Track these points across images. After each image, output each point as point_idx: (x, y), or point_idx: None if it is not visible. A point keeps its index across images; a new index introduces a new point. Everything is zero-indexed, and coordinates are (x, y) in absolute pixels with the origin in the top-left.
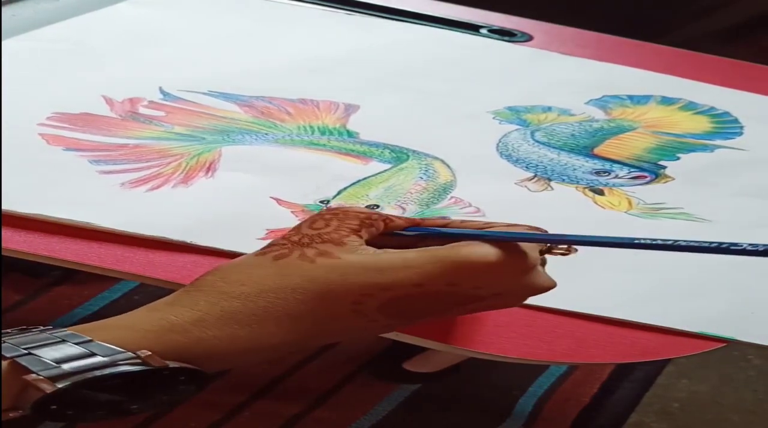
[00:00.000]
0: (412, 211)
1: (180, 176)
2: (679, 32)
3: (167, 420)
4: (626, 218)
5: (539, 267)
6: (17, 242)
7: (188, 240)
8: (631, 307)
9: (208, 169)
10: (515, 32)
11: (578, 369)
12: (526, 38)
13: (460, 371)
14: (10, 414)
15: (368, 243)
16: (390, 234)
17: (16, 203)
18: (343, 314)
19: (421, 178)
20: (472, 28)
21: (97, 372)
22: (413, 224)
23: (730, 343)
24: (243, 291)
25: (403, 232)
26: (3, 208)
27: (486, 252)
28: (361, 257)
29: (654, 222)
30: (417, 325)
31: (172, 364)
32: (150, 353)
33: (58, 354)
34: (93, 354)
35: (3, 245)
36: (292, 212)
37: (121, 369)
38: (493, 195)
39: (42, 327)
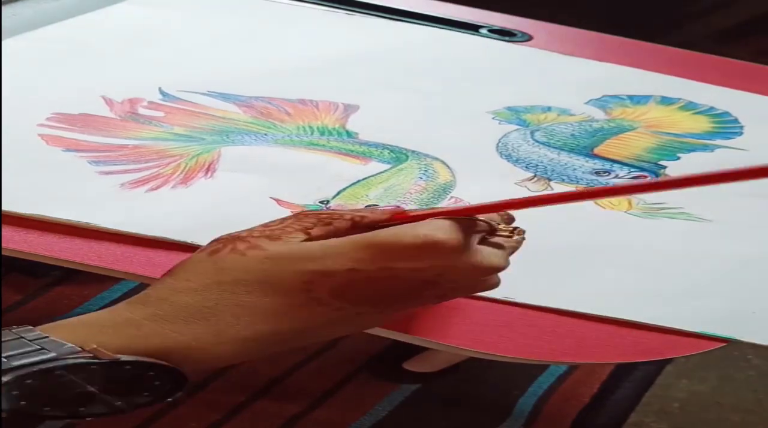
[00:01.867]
0: None
1: (179, 177)
2: (679, 32)
3: (167, 419)
4: (626, 218)
5: (478, 246)
6: (17, 242)
7: (188, 241)
8: (631, 307)
9: (208, 169)
10: (515, 32)
11: (578, 369)
12: (526, 38)
13: (459, 371)
14: None
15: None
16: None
17: (15, 203)
18: (300, 302)
19: (421, 178)
20: (472, 28)
21: (43, 365)
22: (396, 216)
23: (730, 343)
24: (189, 286)
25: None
26: (3, 208)
27: (404, 232)
28: (288, 246)
29: (654, 222)
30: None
31: (124, 358)
32: (96, 347)
33: (10, 350)
34: (42, 350)
35: (3, 245)
36: (291, 212)
37: (68, 362)
38: (493, 195)
39: (15, 327)
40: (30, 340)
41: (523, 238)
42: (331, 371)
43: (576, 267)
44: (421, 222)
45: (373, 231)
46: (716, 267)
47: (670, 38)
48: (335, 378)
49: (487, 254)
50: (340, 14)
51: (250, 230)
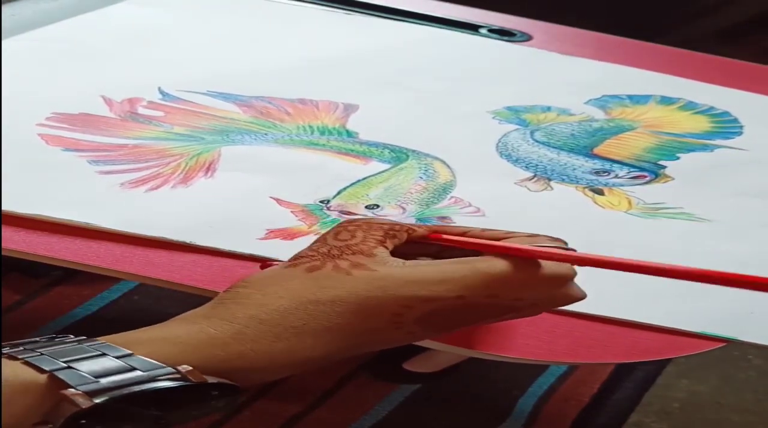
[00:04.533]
0: (412, 211)
1: (179, 176)
2: (679, 32)
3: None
4: (626, 218)
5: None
6: (17, 242)
7: (188, 241)
8: (631, 307)
9: (208, 169)
10: (515, 32)
11: (578, 369)
12: (526, 38)
13: (460, 371)
14: None
15: (393, 253)
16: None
17: (15, 203)
18: (381, 326)
19: (421, 177)
20: (472, 27)
21: (136, 388)
22: (434, 231)
23: (730, 343)
24: (282, 304)
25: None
26: (3, 208)
27: (526, 265)
28: (398, 269)
29: (654, 222)
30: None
31: (210, 380)
32: (191, 368)
33: (97, 367)
34: (132, 369)
35: (3, 245)
36: (291, 212)
37: (161, 385)
38: (493, 195)
39: (75, 337)
40: (116, 357)
41: None
42: (331, 371)
43: (575, 267)
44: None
45: (489, 258)
46: (716, 267)
47: (670, 38)
48: (335, 378)
49: (576, 286)
50: (340, 14)
51: (334, 245)
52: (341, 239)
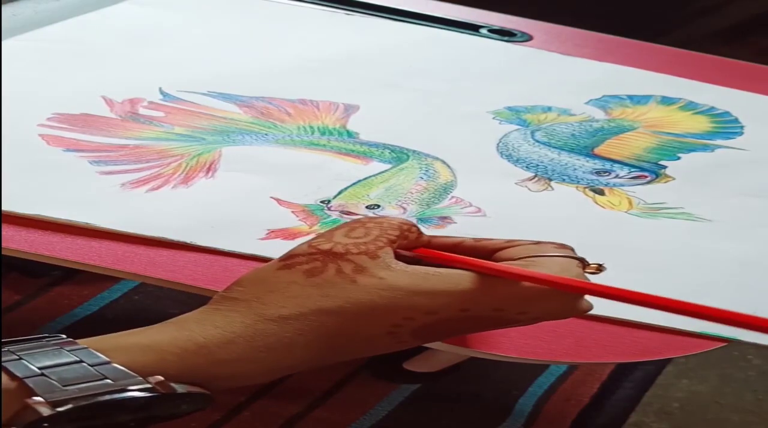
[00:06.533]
0: (413, 211)
1: (180, 176)
2: (679, 32)
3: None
4: (627, 218)
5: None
6: (18, 242)
7: (189, 240)
8: (631, 307)
9: (209, 169)
10: (515, 32)
11: (578, 369)
12: (526, 38)
13: (460, 370)
14: None
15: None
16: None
17: (16, 203)
18: (377, 336)
19: (422, 178)
20: (472, 28)
21: (102, 398)
22: (432, 245)
23: (730, 343)
24: (282, 314)
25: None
26: (3, 208)
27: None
28: (403, 278)
29: (654, 222)
30: None
31: (180, 389)
32: (162, 379)
33: (70, 375)
34: (103, 378)
35: (3, 244)
36: (292, 212)
37: (127, 395)
38: (493, 195)
39: (61, 339)
40: (91, 365)
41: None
42: (331, 371)
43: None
44: (547, 266)
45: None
46: (716, 267)
47: (670, 38)
48: (335, 378)
49: (586, 301)
50: (340, 14)
51: (339, 242)
52: (353, 237)
